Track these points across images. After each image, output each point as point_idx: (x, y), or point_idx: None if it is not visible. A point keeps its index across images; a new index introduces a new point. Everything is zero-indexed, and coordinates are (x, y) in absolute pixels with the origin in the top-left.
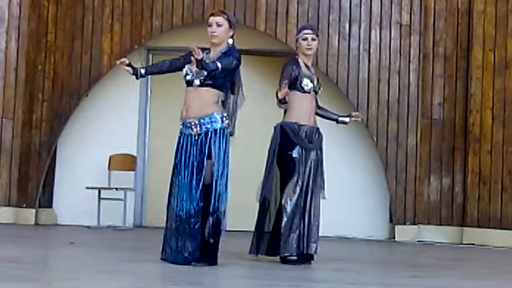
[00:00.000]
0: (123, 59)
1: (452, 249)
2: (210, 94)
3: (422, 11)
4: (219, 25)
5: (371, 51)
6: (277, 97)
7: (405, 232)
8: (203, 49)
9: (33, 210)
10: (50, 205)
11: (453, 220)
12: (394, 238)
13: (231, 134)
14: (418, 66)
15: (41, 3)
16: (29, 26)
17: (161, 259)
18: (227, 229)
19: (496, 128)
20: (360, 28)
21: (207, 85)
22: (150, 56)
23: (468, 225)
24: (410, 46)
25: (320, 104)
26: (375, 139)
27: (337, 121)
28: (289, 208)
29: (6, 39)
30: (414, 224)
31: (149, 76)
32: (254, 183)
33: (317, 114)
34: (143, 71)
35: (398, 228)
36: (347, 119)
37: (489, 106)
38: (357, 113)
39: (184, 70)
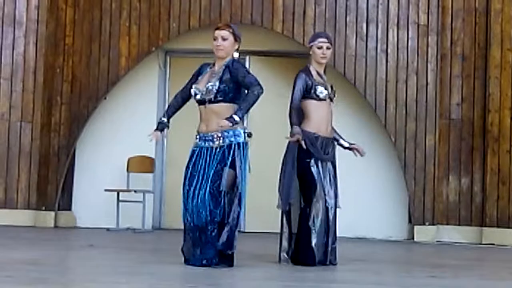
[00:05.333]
0: (154, 137)
1: (471, 249)
2: (225, 108)
3: (440, 11)
4: (224, 39)
5: (389, 51)
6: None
7: (424, 233)
8: (207, 64)
9: (52, 213)
10: (69, 208)
11: (472, 220)
12: (413, 238)
13: (249, 135)
14: (436, 66)
15: (59, 7)
16: (47, 29)
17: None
18: (246, 230)
19: None
20: (378, 29)
21: (218, 101)
22: (168, 58)
23: (487, 225)
24: (427, 46)
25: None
26: (393, 139)
27: (340, 144)
28: (317, 222)
29: (25, 42)
30: (433, 224)
31: (167, 78)
32: (271, 183)
33: None
34: (165, 119)
35: (417, 228)
36: (346, 144)
37: (507, 105)
38: (359, 149)
39: (192, 90)
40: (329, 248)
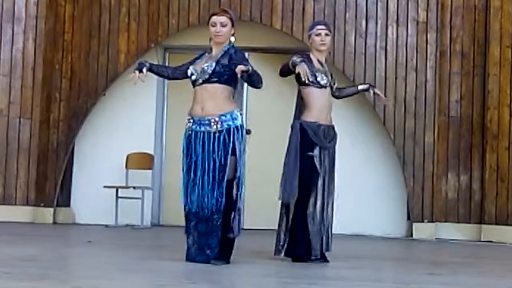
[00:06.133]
0: (133, 77)
1: (470, 246)
2: (221, 90)
3: (439, 8)
4: (223, 25)
5: (388, 48)
6: (282, 71)
7: (423, 230)
8: (206, 52)
9: (51, 209)
10: (68, 204)
11: (471, 218)
12: (411, 235)
13: (248, 132)
14: (435, 63)
15: (58, 3)
16: (46, 25)
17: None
18: (245, 227)
19: None
20: (377, 26)
21: (213, 82)
22: (167, 54)
23: (486, 223)
24: (427, 43)
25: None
26: (392, 136)
27: (359, 91)
28: (317, 213)
29: (24, 38)
30: (432, 221)
31: None
32: (270, 180)
33: (339, 97)
34: (148, 65)
35: (415, 225)
36: (366, 86)
37: (506, 103)
38: (381, 96)
39: (189, 71)
40: (324, 237)
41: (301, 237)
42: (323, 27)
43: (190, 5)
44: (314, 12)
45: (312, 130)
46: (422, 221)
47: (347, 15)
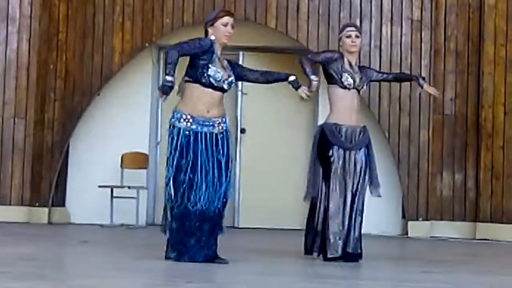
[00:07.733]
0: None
1: (465, 244)
2: (222, 96)
3: (433, 6)
4: (233, 27)
5: (382, 47)
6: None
7: (418, 228)
8: (199, 38)
9: (46, 209)
10: (63, 204)
11: (466, 216)
12: (407, 234)
13: (242, 131)
14: (429, 61)
15: (52, 3)
16: (40, 25)
17: (167, 258)
18: (240, 226)
19: (508, 123)
20: (371, 24)
21: (226, 91)
22: (161, 54)
23: (481, 221)
24: (421, 42)
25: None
26: (387, 135)
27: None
28: (332, 209)
29: (18, 38)
30: (427, 220)
31: (160, 74)
32: (264, 179)
33: (391, 80)
34: (170, 78)
35: (411, 224)
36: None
37: (501, 101)
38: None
39: (218, 75)
40: (351, 238)
41: (322, 236)
42: (353, 28)
43: (184, 4)
44: (308, 11)
45: (330, 131)
46: (417, 220)
47: (341, 14)
